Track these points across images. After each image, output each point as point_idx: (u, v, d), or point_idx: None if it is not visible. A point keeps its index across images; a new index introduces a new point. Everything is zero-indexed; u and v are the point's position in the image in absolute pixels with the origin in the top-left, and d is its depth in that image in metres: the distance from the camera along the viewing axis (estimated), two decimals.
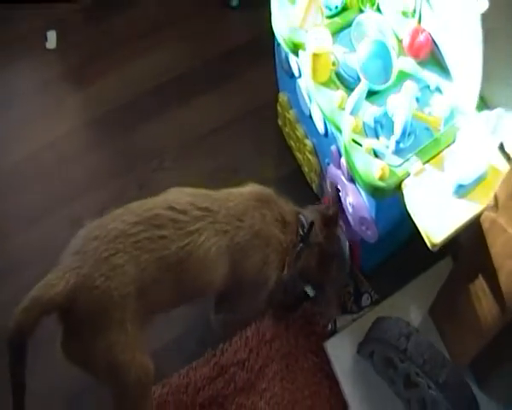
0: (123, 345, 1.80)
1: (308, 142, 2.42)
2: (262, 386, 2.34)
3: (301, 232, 2.11)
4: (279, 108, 2.65)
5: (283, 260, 2.08)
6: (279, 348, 2.40)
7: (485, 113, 1.78)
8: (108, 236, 1.78)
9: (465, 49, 1.77)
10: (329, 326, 2.40)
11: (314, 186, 2.60)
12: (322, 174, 2.42)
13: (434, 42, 1.91)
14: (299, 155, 2.63)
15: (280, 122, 2.74)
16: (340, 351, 2.30)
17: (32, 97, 3.08)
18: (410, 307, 2.33)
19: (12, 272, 2.58)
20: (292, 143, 2.67)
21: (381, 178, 1.81)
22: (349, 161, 1.90)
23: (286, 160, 2.74)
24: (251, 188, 2.09)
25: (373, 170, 1.82)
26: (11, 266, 2.60)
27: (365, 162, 1.84)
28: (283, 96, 2.53)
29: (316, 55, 1.90)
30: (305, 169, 2.61)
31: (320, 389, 2.33)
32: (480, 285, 1.81)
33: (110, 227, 1.80)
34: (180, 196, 1.94)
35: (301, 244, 2.11)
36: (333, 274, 2.30)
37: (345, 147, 1.89)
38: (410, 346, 1.94)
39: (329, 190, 2.30)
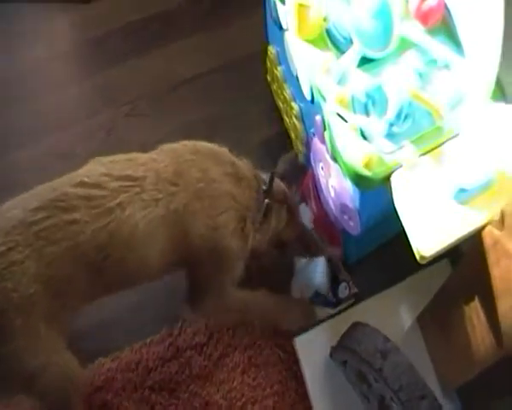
0: (34, 350, 1.56)
1: (295, 105, 2.10)
2: (220, 377, 2.10)
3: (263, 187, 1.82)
4: (268, 62, 2.32)
5: (244, 221, 1.78)
6: (243, 337, 2.15)
7: (501, 104, 1.53)
8: (6, 226, 1.51)
9: (483, 19, 1.47)
10: None
11: (300, 156, 2.26)
12: (308, 144, 2.09)
13: (447, 6, 1.59)
14: (286, 119, 2.32)
15: (269, 78, 2.42)
16: (312, 351, 2.05)
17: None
18: (397, 311, 2.09)
19: None
20: (280, 104, 2.35)
21: (367, 166, 1.51)
22: (330, 139, 1.61)
23: (273, 122, 2.44)
24: (186, 141, 1.80)
25: (358, 154, 1.52)
26: None
27: (349, 143, 1.55)
28: (272, 50, 2.20)
29: (301, 6, 1.58)
30: (292, 135, 2.29)
31: (284, 390, 2.08)
32: (475, 309, 1.55)
33: (9, 215, 1.53)
34: (94, 166, 1.65)
35: (267, 200, 1.81)
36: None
37: (327, 120, 1.60)
38: (386, 366, 1.68)
39: None
